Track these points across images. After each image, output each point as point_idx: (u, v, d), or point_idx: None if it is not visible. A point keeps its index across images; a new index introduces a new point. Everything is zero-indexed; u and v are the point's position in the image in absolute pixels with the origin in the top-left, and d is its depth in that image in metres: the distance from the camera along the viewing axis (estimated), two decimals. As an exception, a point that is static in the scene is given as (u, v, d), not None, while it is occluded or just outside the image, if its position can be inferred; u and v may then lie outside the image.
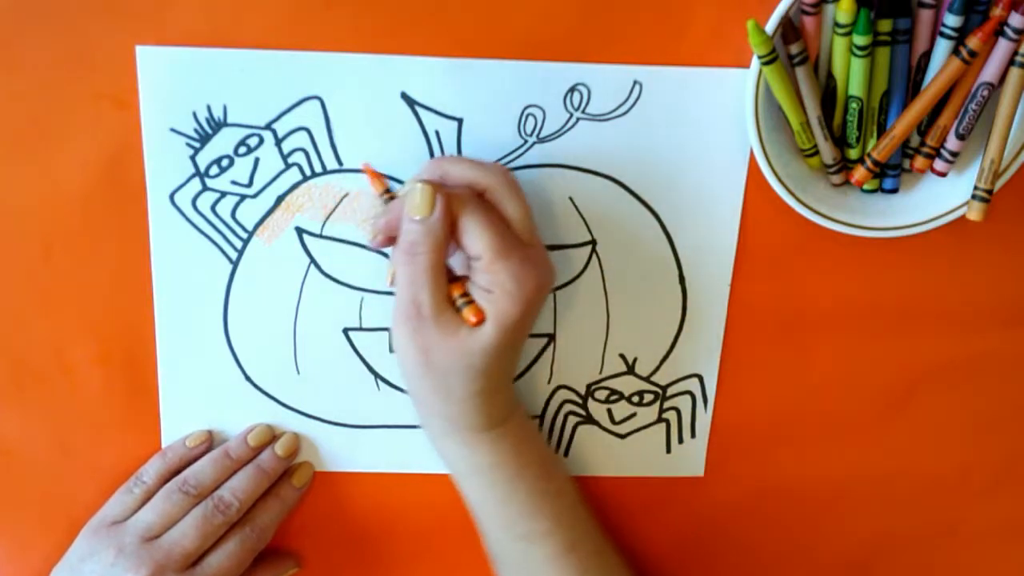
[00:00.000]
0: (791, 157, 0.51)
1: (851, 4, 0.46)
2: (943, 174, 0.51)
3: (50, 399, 0.54)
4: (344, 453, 0.57)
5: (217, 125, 0.50)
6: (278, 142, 0.51)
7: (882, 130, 0.50)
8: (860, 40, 0.47)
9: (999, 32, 0.47)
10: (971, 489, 0.61)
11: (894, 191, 0.52)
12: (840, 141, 0.51)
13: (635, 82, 0.51)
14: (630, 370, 0.56)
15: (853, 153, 0.51)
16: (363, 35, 0.49)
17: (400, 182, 0.52)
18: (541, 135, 0.51)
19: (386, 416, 0.56)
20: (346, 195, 0.51)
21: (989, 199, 0.50)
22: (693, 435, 0.58)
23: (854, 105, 0.49)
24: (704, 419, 0.57)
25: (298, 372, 0.55)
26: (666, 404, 0.57)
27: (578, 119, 0.51)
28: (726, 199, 0.53)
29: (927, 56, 0.49)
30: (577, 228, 0.53)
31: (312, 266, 0.53)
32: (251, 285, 0.53)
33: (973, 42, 0.46)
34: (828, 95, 0.50)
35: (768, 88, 0.49)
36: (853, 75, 0.48)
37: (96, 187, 0.51)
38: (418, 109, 0.50)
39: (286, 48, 0.49)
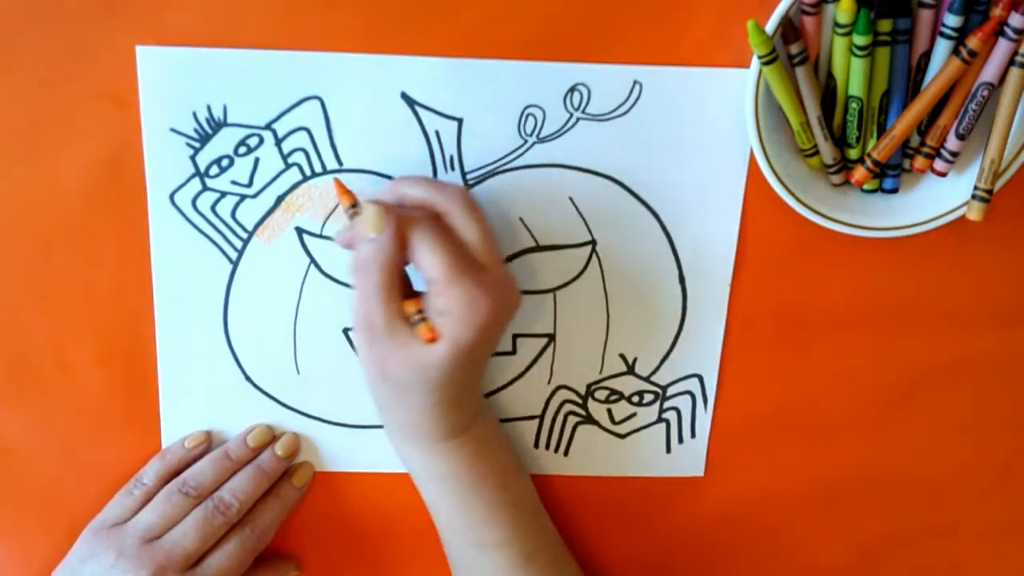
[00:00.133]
0: (791, 157, 0.51)
1: (851, 4, 0.46)
2: (943, 174, 0.51)
3: (50, 399, 0.54)
4: (344, 453, 0.57)
5: (217, 125, 0.50)
6: (278, 142, 0.51)
7: (882, 130, 0.50)
8: (860, 40, 0.47)
9: (999, 32, 0.47)
10: (971, 489, 0.61)
11: (894, 191, 0.52)
12: (840, 141, 0.51)
13: (635, 82, 0.51)
14: (630, 370, 0.56)
15: (853, 153, 0.51)
16: (363, 35, 0.49)
17: (400, 182, 0.52)
18: (541, 135, 0.51)
19: (386, 416, 0.56)
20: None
21: (989, 199, 0.50)
22: (693, 435, 0.58)
23: (854, 105, 0.49)
24: (704, 419, 0.57)
25: (298, 372, 0.55)
26: (666, 404, 0.57)
27: (578, 119, 0.51)
28: (726, 199, 0.53)
29: (927, 56, 0.49)
30: (577, 228, 0.53)
31: (312, 266, 0.53)
32: (251, 285, 0.53)
33: (973, 42, 0.46)
34: (828, 95, 0.50)
35: (768, 88, 0.49)
36: (853, 75, 0.48)
37: (96, 187, 0.51)
38: (418, 109, 0.50)
39: (286, 48, 0.49)
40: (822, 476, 0.60)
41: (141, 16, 0.48)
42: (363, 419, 0.56)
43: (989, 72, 0.48)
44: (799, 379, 0.57)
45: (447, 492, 0.52)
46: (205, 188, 0.51)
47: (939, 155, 0.50)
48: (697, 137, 0.52)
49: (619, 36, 0.50)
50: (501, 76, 0.50)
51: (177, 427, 0.55)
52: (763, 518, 0.60)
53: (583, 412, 0.57)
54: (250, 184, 0.51)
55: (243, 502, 0.53)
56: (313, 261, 0.53)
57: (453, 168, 0.52)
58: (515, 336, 0.55)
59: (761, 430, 0.58)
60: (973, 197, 0.50)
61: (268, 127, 0.50)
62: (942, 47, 0.48)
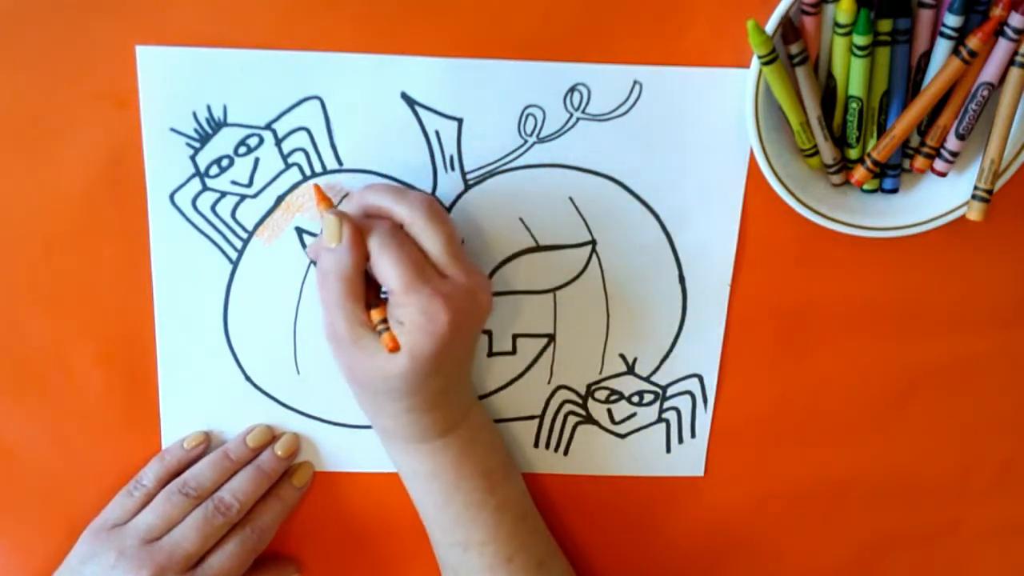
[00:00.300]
0: (791, 157, 0.51)
1: (851, 4, 0.46)
2: (943, 174, 0.51)
3: (50, 399, 0.54)
4: (344, 453, 0.57)
5: (217, 125, 0.50)
6: (278, 142, 0.51)
7: (882, 130, 0.50)
8: (860, 40, 0.47)
9: (999, 32, 0.47)
10: (971, 489, 0.61)
11: (894, 191, 0.52)
12: (840, 141, 0.51)
13: (635, 82, 0.51)
14: (630, 370, 0.56)
15: (853, 153, 0.51)
16: (363, 35, 0.49)
17: (400, 182, 0.52)
18: (541, 135, 0.51)
19: (386, 416, 0.56)
20: (346, 195, 0.51)
21: (989, 199, 0.50)
22: (693, 435, 0.58)
23: (854, 105, 0.49)
24: (704, 419, 0.57)
25: (298, 372, 0.55)
26: (666, 404, 0.57)
27: (578, 119, 0.51)
28: (726, 199, 0.53)
29: (927, 56, 0.49)
30: (577, 228, 0.53)
31: (312, 266, 0.53)
32: (251, 285, 0.53)
33: (973, 42, 0.46)
34: (828, 95, 0.50)
35: (768, 88, 0.49)
36: (853, 75, 0.48)
37: (96, 187, 0.51)
38: (418, 109, 0.50)
39: (286, 48, 0.49)
40: (822, 476, 0.60)
41: (141, 16, 0.48)
42: (363, 419, 0.56)
43: (989, 72, 0.48)
44: (799, 379, 0.57)
45: (430, 491, 0.52)
46: (205, 188, 0.51)
47: (939, 155, 0.50)
48: (697, 137, 0.52)
49: (619, 36, 0.50)
50: (501, 76, 0.50)
51: (177, 427, 0.55)
52: (763, 518, 0.60)
53: (583, 412, 0.57)
54: (250, 184, 0.51)
55: (243, 502, 0.53)
56: (313, 261, 0.53)
57: (453, 168, 0.52)
58: (515, 336, 0.55)
59: (761, 430, 0.58)
60: (973, 197, 0.50)
61: (268, 127, 0.50)
62: (942, 47, 0.48)
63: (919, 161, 0.51)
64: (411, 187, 0.52)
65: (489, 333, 0.55)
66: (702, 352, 0.56)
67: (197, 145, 0.50)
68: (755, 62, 0.47)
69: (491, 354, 0.55)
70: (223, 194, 0.51)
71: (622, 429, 0.57)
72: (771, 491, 0.60)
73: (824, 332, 0.56)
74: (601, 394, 0.57)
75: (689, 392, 0.57)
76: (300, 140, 0.51)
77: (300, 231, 0.52)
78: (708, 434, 0.58)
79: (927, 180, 0.52)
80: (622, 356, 0.56)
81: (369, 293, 0.48)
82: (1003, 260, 0.56)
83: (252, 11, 0.48)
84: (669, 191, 0.53)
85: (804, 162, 0.51)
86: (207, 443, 0.55)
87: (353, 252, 0.46)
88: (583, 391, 0.56)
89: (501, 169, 0.52)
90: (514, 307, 0.55)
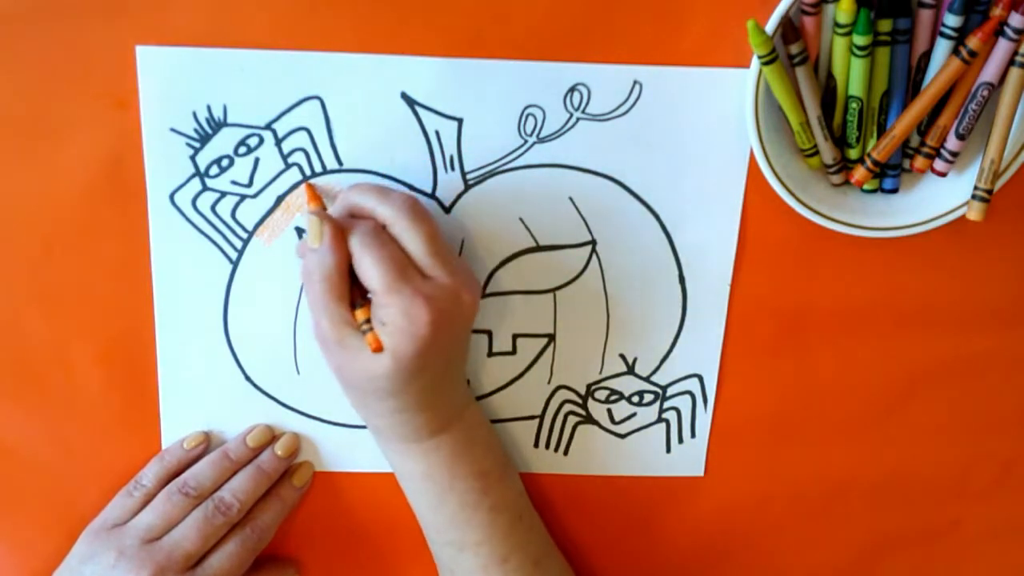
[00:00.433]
0: (791, 157, 0.51)
1: (851, 4, 0.46)
2: (943, 174, 0.51)
3: (50, 399, 0.54)
4: (344, 453, 0.57)
5: (217, 125, 0.50)
6: (278, 142, 0.51)
7: (882, 130, 0.50)
8: (860, 40, 0.47)
9: (999, 32, 0.47)
10: (971, 489, 0.61)
11: (894, 191, 0.52)
12: (840, 141, 0.51)
13: (635, 82, 0.51)
14: (630, 370, 0.56)
15: (853, 153, 0.51)
16: (363, 35, 0.49)
17: (400, 182, 0.52)
18: (541, 135, 0.51)
19: (386, 416, 0.56)
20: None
21: (989, 199, 0.50)
22: (693, 435, 0.58)
23: (854, 105, 0.49)
24: (704, 419, 0.57)
25: (298, 372, 0.55)
26: (666, 404, 0.57)
27: (578, 119, 0.51)
28: (726, 199, 0.53)
29: (927, 56, 0.49)
30: (577, 228, 0.53)
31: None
32: (251, 285, 0.53)
33: (973, 42, 0.46)
34: (828, 95, 0.50)
35: (768, 88, 0.49)
36: (853, 75, 0.48)
37: (96, 187, 0.51)
38: (418, 109, 0.50)
39: (286, 48, 0.49)
40: (822, 476, 0.60)
41: (141, 16, 0.48)
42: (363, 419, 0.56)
43: (989, 72, 0.48)
44: (799, 379, 0.57)
45: (424, 492, 0.52)
46: (205, 188, 0.51)
47: (939, 155, 0.50)
48: (697, 137, 0.52)
49: (619, 36, 0.50)
50: (501, 76, 0.50)
51: (177, 427, 0.55)
52: (763, 518, 0.60)
53: (583, 412, 0.57)
54: (250, 184, 0.51)
55: (243, 502, 0.53)
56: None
57: (453, 168, 0.52)
58: (515, 336, 0.55)
59: (761, 430, 0.58)
60: (973, 197, 0.50)
61: (268, 127, 0.50)
62: (942, 47, 0.48)
63: (919, 161, 0.51)
64: (410, 187, 0.52)
65: (489, 333, 0.55)
66: (702, 352, 0.56)
67: (197, 145, 0.50)
68: (755, 62, 0.47)
69: (491, 354, 0.55)
70: (223, 194, 0.51)
71: (622, 429, 0.57)
72: (771, 491, 0.60)
73: (824, 332, 0.56)
74: (601, 394, 0.57)
75: (689, 392, 0.57)
76: (300, 140, 0.51)
77: (300, 231, 0.52)
78: (708, 434, 0.58)
79: (927, 180, 0.52)
80: (622, 356, 0.56)
81: (355, 293, 0.48)
82: (1003, 260, 0.56)
83: (252, 11, 0.48)
84: (669, 191, 0.53)
85: (804, 162, 0.51)
86: (207, 443, 0.55)
87: (335, 253, 0.46)
88: (583, 391, 0.56)
89: (501, 169, 0.52)
90: (514, 307, 0.55)
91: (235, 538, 0.53)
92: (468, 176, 0.52)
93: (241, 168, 0.51)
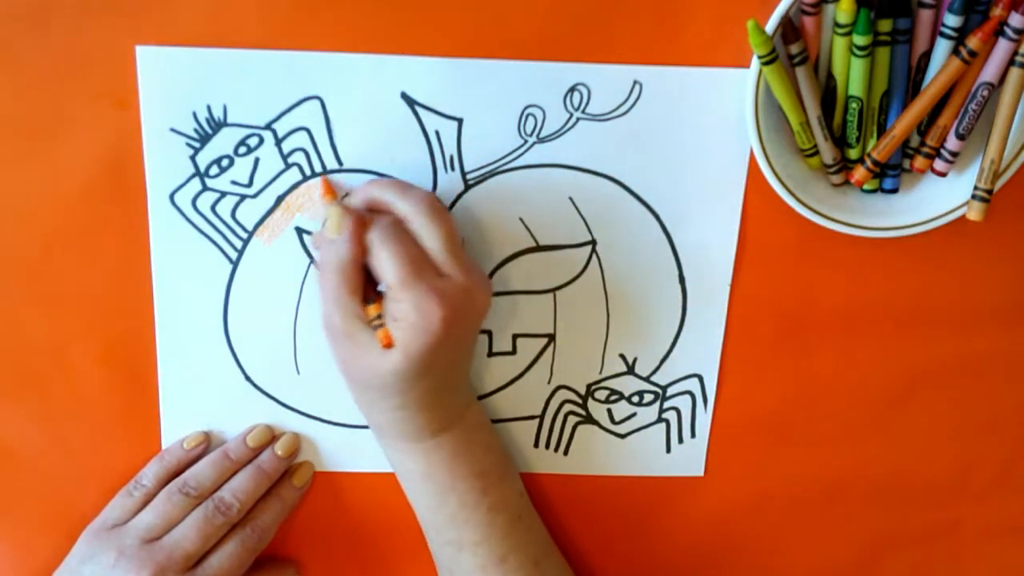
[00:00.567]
0: (791, 157, 0.51)
1: (851, 4, 0.46)
2: (943, 174, 0.51)
3: (50, 399, 0.54)
4: (344, 453, 0.57)
5: (217, 125, 0.50)
6: (278, 142, 0.51)
7: (882, 130, 0.50)
8: (860, 40, 0.47)
9: (999, 32, 0.47)
10: (971, 489, 0.61)
11: (894, 191, 0.52)
12: (840, 141, 0.51)
13: (635, 82, 0.51)
14: (630, 370, 0.56)
15: (853, 153, 0.51)
16: (363, 35, 0.49)
17: (400, 182, 0.52)
18: (541, 135, 0.51)
19: (386, 416, 0.56)
20: (346, 195, 0.51)
21: (989, 199, 0.50)
22: (693, 435, 0.58)
23: (854, 105, 0.49)
24: (704, 419, 0.57)
25: (298, 372, 0.55)
26: (666, 404, 0.57)
27: (578, 119, 0.51)
28: (726, 199, 0.53)
29: (927, 56, 0.49)
30: (577, 228, 0.53)
31: (312, 266, 0.53)
32: (251, 285, 0.53)
33: (973, 42, 0.46)
34: (828, 95, 0.50)
35: (768, 88, 0.49)
36: (853, 75, 0.48)
37: (96, 187, 0.51)
38: (418, 109, 0.50)
39: (286, 48, 0.49)
40: (822, 476, 0.60)
41: (141, 16, 0.48)
42: (363, 419, 0.56)
43: (989, 72, 0.48)
44: (799, 379, 0.57)
45: (424, 491, 0.52)
46: (205, 188, 0.51)
47: (939, 155, 0.50)
48: (697, 137, 0.52)
49: (619, 36, 0.50)
50: (501, 76, 0.50)
51: (177, 427, 0.55)
52: (763, 518, 0.60)
53: (583, 412, 0.57)
54: (250, 184, 0.51)
55: (243, 502, 0.53)
56: (313, 261, 0.53)
57: (453, 168, 0.52)
58: (515, 336, 0.55)
59: (761, 430, 0.58)
60: (973, 197, 0.50)
61: (268, 127, 0.50)
62: (942, 47, 0.48)
63: (919, 161, 0.51)
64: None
65: (489, 333, 0.55)
66: (702, 352, 0.56)
67: (197, 145, 0.50)
68: (755, 62, 0.47)
69: (491, 354, 0.55)
70: (223, 194, 0.51)
71: (622, 429, 0.57)
72: (771, 491, 0.60)
73: (824, 332, 0.56)
74: (601, 394, 0.57)
75: (689, 392, 0.57)
76: (300, 140, 0.51)
77: (300, 231, 0.52)
78: (708, 434, 0.58)
79: (927, 180, 0.52)
80: (622, 356, 0.56)
81: (368, 288, 0.48)
82: (1003, 260, 0.56)
83: (253, 11, 0.48)
84: (669, 191, 0.53)
85: (804, 162, 0.52)
86: (207, 443, 0.55)
87: (352, 245, 0.46)
88: (583, 391, 0.57)
89: (501, 169, 0.52)
90: (514, 307, 0.55)
91: (235, 538, 0.53)
92: (468, 176, 0.52)
93: (241, 168, 0.51)
